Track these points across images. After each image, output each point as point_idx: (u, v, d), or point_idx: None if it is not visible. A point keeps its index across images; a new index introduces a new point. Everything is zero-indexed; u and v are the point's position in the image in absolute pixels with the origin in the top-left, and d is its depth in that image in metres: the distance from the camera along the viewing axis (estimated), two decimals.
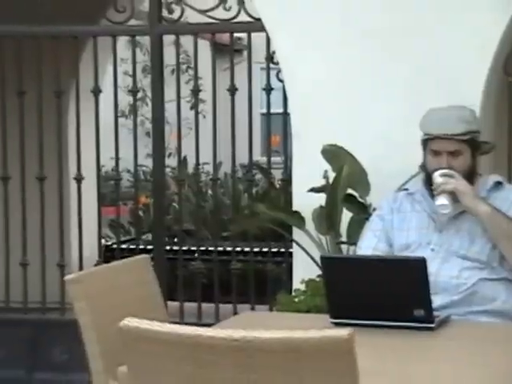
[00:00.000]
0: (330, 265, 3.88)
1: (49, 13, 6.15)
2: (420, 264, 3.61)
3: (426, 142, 4.20)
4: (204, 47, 7.34)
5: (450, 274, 4.02)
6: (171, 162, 8.10)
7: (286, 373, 2.68)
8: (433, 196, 4.11)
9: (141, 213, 9.20)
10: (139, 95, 7.98)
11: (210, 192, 9.00)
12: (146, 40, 6.80)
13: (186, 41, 6.51)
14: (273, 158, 6.28)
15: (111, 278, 4.31)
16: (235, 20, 5.88)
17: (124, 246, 7.58)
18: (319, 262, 4.60)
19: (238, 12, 5.81)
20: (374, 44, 5.30)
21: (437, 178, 4.06)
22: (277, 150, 6.72)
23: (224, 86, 6.07)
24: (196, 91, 6.28)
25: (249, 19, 5.82)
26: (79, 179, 6.44)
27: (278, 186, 7.13)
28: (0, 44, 6.32)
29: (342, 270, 3.83)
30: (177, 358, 2.94)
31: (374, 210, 4.64)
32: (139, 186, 7.45)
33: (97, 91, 6.36)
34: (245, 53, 6.30)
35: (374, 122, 5.29)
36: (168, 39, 6.22)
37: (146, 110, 9.36)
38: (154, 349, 3.01)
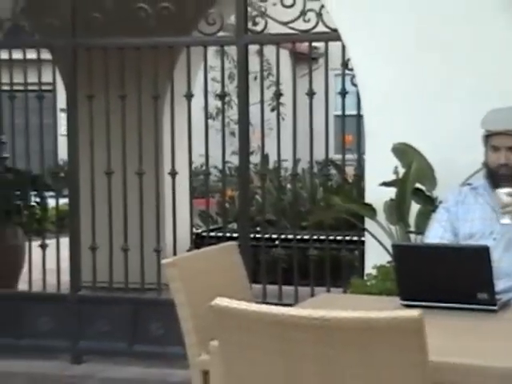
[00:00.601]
0: (400, 252, 3.87)
1: (148, 26, 6.20)
2: (484, 252, 3.56)
3: (486, 139, 4.17)
4: (283, 56, 7.32)
5: (511, 261, 3.98)
6: (254, 159, 8.11)
7: (361, 349, 2.67)
8: (495, 187, 4.06)
9: (227, 204, 9.24)
10: (226, 99, 8.00)
11: (289, 186, 8.99)
12: (231, 49, 6.82)
13: (267, 50, 6.49)
14: (346, 156, 6.25)
15: (203, 262, 4.34)
16: (314, 31, 5.88)
17: (212, 234, 7.61)
18: (390, 249, 4.58)
19: (317, 23, 5.80)
20: (443, 52, 5.27)
21: (503, 196, 3.97)
22: (349, 149, 6.68)
23: (300, 90, 6.06)
24: (278, 95, 6.29)
25: (326, 30, 5.82)
26: (173, 174, 6.48)
27: (350, 180, 7.08)
28: (105, 54, 6.39)
29: (411, 257, 3.80)
30: (262, 334, 2.94)
31: (440, 202, 4.60)
32: (226, 180, 7.46)
33: (189, 96, 6.40)
34: (320, 60, 6.29)
35: (441, 124, 5.26)
36: (251, 49, 6.23)
37: (231, 113, 9.39)
38: (242, 326, 3.02)
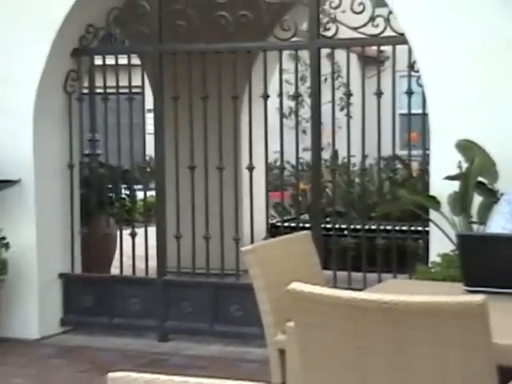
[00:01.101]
0: (464, 241, 3.83)
1: (228, 32, 6.21)
2: None
3: None
4: (351, 58, 7.28)
5: None
6: (324, 154, 8.07)
7: (427, 331, 2.65)
8: None
9: (300, 197, 9.22)
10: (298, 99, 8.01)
11: (357, 180, 8.92)
12: (303, 53, 6.79)
13: (336, 53, 6.46)
14: (411, 152, 6.19)
15: (279, 249, 4.33)
16: (382, 35, 5.82)
17: (286, 224, 7.59)
18: (453, 238, 4.52)
19: (385, 28, 5.75)
20: (509, 51, 5.19)
21: None
22: (414, 145, 6.62)
23: (366, 91, 6.03)
24: (348, 95, 6.25)
25: (393, 34, 5.76)
26: (251, 169, 6.49)
27: (414, 174, 7.02)
28: (188, 58, 6.41)
29: (474, 246, 3.76)
30: (335, 317, 2.93)
31: (502, 195, 4.53)
32: (299, 174, 7.44)
33: (265, 96, 6.39)
34: (385, 63, 6.21)
35: (502, 122, 5.18)
36: (321, 52, 6.20)
37: (302, 112, 9.38)
38: (317, 308, 3.00)
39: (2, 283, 6.31)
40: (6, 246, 6.34)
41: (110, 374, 2.06)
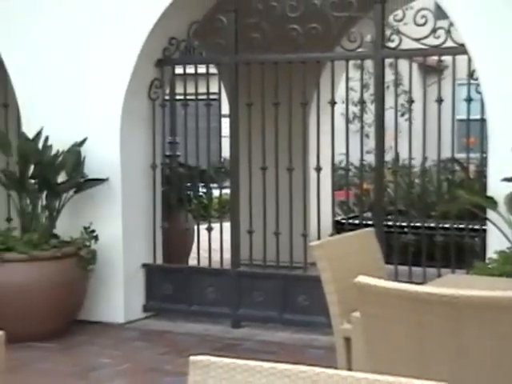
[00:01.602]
0: None
1: (299, 44, 6.19)
2: None
3: None
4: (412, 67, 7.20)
5: None
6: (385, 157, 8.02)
7: (486, 323, 2.60)
8: None
9: (363, 196, 9.16)
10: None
11: (417, 180, 8.83)
12: (366, 62, 6.74)
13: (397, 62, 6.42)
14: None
15: (345, 245, 4.30)
16: (443, 46, 5.75)
17: (350, 222, 7.54)
18: (510, 237, 4.43)
19: (446, 39, 5.68)
20: None
21: None
22: (471, 148, 6.52)
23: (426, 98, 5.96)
24: (410, 102, 6.19)
25: (454, 45, 5.68)
26: (318, 170, 6.46)
27: (471, 176, 6.91)
28: (262, 68, 6.42)
29: None
30: (398, 308, 2.89)
31: None
32: (362, 175, 7.40)
33: (333, 103, 6.36)
34: (445, 71, 6.12)
35: None
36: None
37: (365, 117, 9.31)
38: (381, 300, 2.97)
39: (91, 272, 6.41)
40: (95, 238, 6.43)
41: (192, 358, 2.07)
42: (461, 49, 5.59)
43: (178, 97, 7.30)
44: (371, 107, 8.84)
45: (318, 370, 1.95)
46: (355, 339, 3.67)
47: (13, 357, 4.31)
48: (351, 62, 7.05)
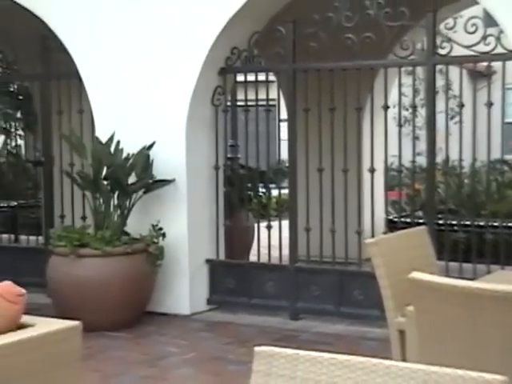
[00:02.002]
0: None
1: (353, 52, 6.16)
2: None
3: None
4: (458, 72, 7.13)
5: None
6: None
7: None
8: None
9: (414, 196, 9.08)
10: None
11: (466, 181, 8.71)
12: (417, 69, 6.67)
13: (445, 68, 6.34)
14: None
15: (399, 242, 4.26)
16: (493, 52, 5.66)
17: (402, 220, 7.48)
18: None
19: (495, 46, 5.59)
20: None
21: None
22: None
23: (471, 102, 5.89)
24: (460, 106, 6.11)
25: (504, 51, 5.59)
26: (372, 171, 6.42)
27: None
28: (318, 75, 6.39)
29: None
30: (451, 303, 2.86)
31: None
32: (414, 176, 7.33)
33: (386, 107, 6.31)
34: (493, 76, 6.01)
35: None
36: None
37: (416, 121, 9.22)
38: (435, 295, 2.94)
39: (159, 267, 6.46)
40: (163, 235, 6.48)
41: (256, 348, 2.07)
42: (510, 55, 5.51)
43: (239, 103, 7.33)
44: (421, 111, 8.76)
45: (375, 360, 1.94)
46: (409, 332, 3.64)
47: (88, 345, 4.39)
48: (403, 69, 7.00)
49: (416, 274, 2.98)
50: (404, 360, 3.75)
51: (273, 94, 6.81)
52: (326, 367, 1.94)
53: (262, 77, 6.82)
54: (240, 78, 6.91)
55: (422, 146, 6.25)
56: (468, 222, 6.30)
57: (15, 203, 9.77)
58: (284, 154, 6.94)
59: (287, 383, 1.96)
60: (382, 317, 4.43)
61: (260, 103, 6.74)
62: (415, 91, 6.53)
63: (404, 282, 3.11)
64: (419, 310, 3.06)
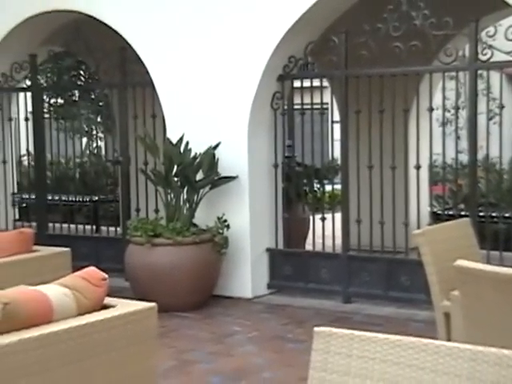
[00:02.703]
0: None
1: (401, 59, 6.09)
2: None
3: None
4: (497, 76, 6.98)
5: None
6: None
7: None
8: None
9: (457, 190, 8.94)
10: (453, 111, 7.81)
11: (505, 176, 8.55)
12: (459, 73, 6.56)
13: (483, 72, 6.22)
14: None
15: (444, 233, 4.22)
16: None
17: (446, 213, 7.37)
18: None
19: None
20: None
21: None
22: None
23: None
24: (501, 107, 5.98)
25: None
26: (417, 168, 6.32)
27: None
28: (368, 80, 6.33)
29: None
30: (493, 288, 2.82)
31: None
32: (453, 172, 7.22)
33: (430, 109, 6.22)
34: None
35: None
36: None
37: (457, 121, 9.11)
38: (479, 281, 2.90)
39: (224, 255, 6.50)
40: (227, 226, 6.51)
41: (316, 329, 2.07)
42: None
43: (295, 106, 7.31)
44: (462, 113, 8.61)
45: (425, 341, 1.92)
46: (454, 315, 3.59)
47: (163, 324, 4.44)
48: (446, 74, 6.90)
49: (461, 262, 2.94)
50: (449, 340, 3.70)
51: (326, 98, 6.78)
52: (380, 346, 1.92)
53: (316, 82, 6.79)
54: (296, 83, 6.88)
55: (464, 144, 6.15)
56: (508, 214, 6.17)
57: (96, 198, 9.93)
58: (336, 153, 6.91)
59: (344, 360, 1.96)
60: (427, 301, 4.37)
61: (314, 107, 6.71)
62: (458, 94, 6.42)
63: (449, 269, 3.07)
64: (464, 294, 3.01)
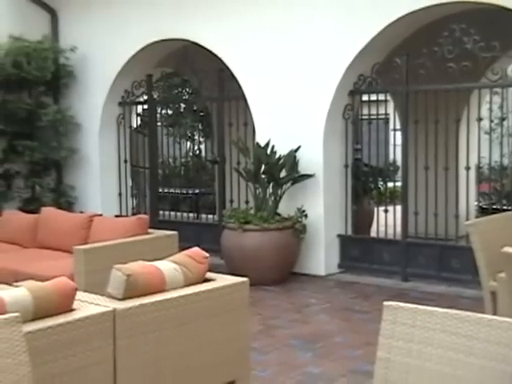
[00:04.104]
0: None
1: (454, 77, 5.91)
2: None
3: None
4: None
5: None
6: None
7: None
8: None
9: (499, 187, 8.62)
10: (497, 121, 7.56)
11: None
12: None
13: None
14: None
15: (491, 223, 4.08)
16: None
17: (491, 207, 7.11)
18: None
19: None
20: None
21: None
22: None
23: None
24: None
25: None
26: (467, 168, 6.14)
27: None
28: (425, 95, 6.17)
29: None
30: None
31: None
32: (502, 172, 6.95)
33: (479, 120, 6.01)
34: None
35: None
36: None
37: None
38: None
39: (302, 240, 6.48)
40: (305, 216, 6.49)
41: (385, 303, 2.04)
42: None
43: (363, 116, 7.20)
44: (505, 123, 8.29)
45: (479, 315, 1.86)
46: (500, 293, 3.47)
47: (252, 295, 4.46)
48: (492, 89, 6.67)
49: (507, 248, 2.83)
50: (495, 315, 3.58)
51: (389, 110, 6.65)
52: (440, 319, 1.88)
53: (381, 97, 6.68)
54: (364, 97, 6.79)
55: (505, 149, 5.90)
56: None
57: (197, 191, 10.09)
58: (396, 156, 6.78)
59: (408, 330, 1.93)
60: (473, 281, 4.23)
61: (379, 117, 6.60)
62: (500, 107, 6.17)
63: (495, 255, 2.97)
64: (510, 276, 2.91)
